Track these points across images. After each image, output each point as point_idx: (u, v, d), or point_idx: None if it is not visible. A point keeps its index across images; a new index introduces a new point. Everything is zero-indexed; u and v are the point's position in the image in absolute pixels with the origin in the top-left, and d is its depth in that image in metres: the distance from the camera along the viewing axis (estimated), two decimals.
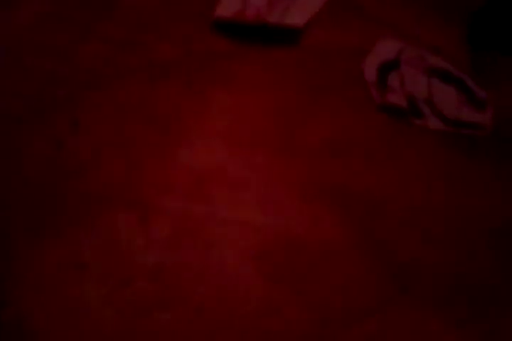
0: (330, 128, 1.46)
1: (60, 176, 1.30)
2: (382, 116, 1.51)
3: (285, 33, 1.66)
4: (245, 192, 1.31)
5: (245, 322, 1.13)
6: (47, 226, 1.22)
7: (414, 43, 1.68)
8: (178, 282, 1.16)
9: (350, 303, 1.17)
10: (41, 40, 1.57)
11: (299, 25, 1.66)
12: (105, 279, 1.14)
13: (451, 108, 1.55)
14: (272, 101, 1.50)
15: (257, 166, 1.36)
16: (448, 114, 1.54)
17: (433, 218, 1.32)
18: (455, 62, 1.65)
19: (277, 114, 1.48)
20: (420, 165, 1.41)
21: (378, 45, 1.67)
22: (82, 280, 1.14)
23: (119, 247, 1.19)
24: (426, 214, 1.31)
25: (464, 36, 1.75)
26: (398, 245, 1.26)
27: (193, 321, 1.12)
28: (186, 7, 1.70)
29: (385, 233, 1.28)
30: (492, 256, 1.27)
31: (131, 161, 1.34)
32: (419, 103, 1.55)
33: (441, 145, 1.45)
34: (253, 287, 1.16)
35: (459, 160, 1.42)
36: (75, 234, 1.21)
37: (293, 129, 1.45)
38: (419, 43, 1.69)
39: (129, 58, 1.55)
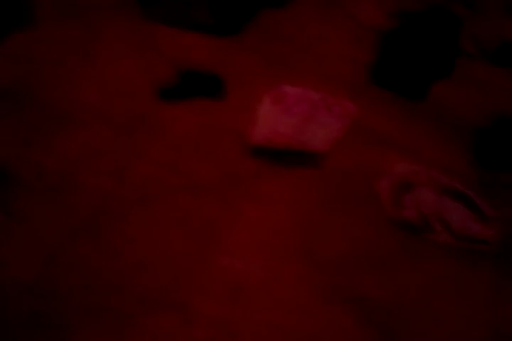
0: (348, 241, 1.62)
1: (115, 282, 1.45)
2: (396, 231, 1.67)
3: (309, 155, 1.87)
4: (277, 299, 1.44)
5: None
6: (100, 323, 1.35)
7: (427, 164, 1.87)
8: None
9: None
10: (97, 163, 1.76)
11: (322, 151, 1.87)
12: None
13: (460, 224, 1.70)
14: (296, 216, 1.68)
15: (286, 276, 1.51)
16: (457, 230, 1.69)
17: (445, 325, 1.44)
18: (464, 181, 1.83)
19: (302, 228, 1.64)
20: (431, 276, 1.55)
21: (393, 167, 1.85)
22: None
23: None
24: (438, 321, 1.44)
25: (472, 157, 1.94)
26: None
27: None
28: (222, 134, 1.92)
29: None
30: None
31: (176, 269, 1.49)
32: (430, 219, 1.71)
33: (450, 258, 1.60)
34: None
35: (465, 274, 1.56)
36: (122, 333, 1.33)
37: (315, 242, 1.61)
38: (431, 164, 1.88)
39: (174, 179, 1.75)
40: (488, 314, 1.49)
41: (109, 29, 2.30)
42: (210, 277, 1.48)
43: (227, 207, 1.68)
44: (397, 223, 1.69)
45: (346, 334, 1.39)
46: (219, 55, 2.25)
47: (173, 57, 2.18)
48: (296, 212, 1.69)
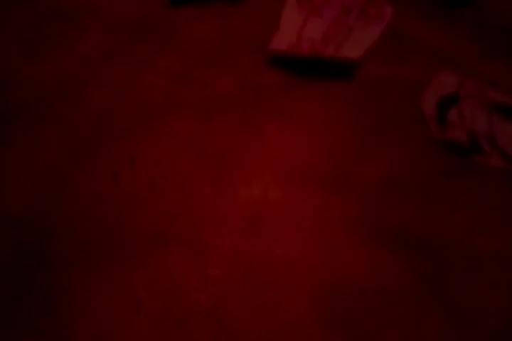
0: (387, 164, 1.43)
1: (116, 210, 1.30)
2: (441, 151, 1.47)
3: (341, 66, 1.66)
4: (300, 231, 1.28)
5: None
6: (101, 260, 1.22)
7: (474, 77, 1.65)
8: (232, 323, 1.13)
9: None
10: (99, 73, 1.59)
11: (355, 58, 1.64)
12: (160, 319, 1.13)
13: None
14: (327, 137, 1.49)
15: (312, 205, 1.34)
16: (510, 151, 1.49)
17: (498, 264, 1.27)
18: None
19: (332, 150, 1.46)
20: (481, 206, 1.37)
21: (437, 79, 1.64)
22: (137, 319, 1.13)
23: (175, 285, 1.18)
24: (490, 260, 1.27)
25: None
26: (460, 291, 1.21)
27: None
28: (242, 41, 1.71)
29: (446, 279, 1.23)
30: None
31: (186, 196, 1.33)
32: (480, 139, 1.51)
33: (504, 184, 1.40)
34: (309, 333, 1.13)
35: None
36: (130, 270, 1.20)
37: (349, 166, 1.43)
38: (478, 77, 1.66)
39: (186, 91, 1.56)
40: None
41: None
42: (225, 207, 1.32)
43: (245, 126, 1.49)
44: (443, 143, 1.49)
45: (381, 274, 1.23)
46: None
47: None
48: (326, 132, 1.49)
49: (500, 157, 1.48)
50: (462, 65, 1.70)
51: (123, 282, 1.18)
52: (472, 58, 1.74)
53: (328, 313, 1.16)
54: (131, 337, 1.11)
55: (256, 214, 1.31)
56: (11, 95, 1.53)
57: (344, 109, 1.56)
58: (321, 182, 1.38)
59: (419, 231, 1.30)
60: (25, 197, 1.31)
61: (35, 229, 1.26)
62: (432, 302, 1.19)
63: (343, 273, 1.22)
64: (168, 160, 1.40)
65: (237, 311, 1.15)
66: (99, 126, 1.47)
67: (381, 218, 1.32)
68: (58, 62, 1.61)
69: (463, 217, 1.33)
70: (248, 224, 1.29)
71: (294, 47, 1.65)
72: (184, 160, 1.40)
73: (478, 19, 1.87)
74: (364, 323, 1.15)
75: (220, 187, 1.36)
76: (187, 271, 1.20)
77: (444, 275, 1.24)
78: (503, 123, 1.56)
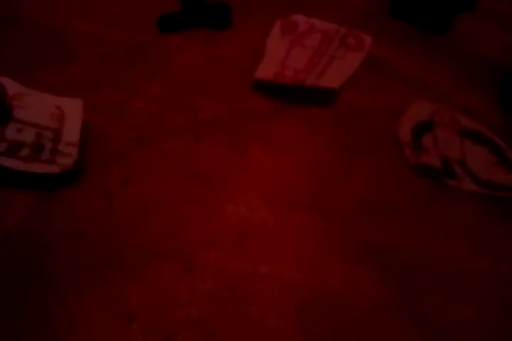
0: (365, 186, 1.51)
1: (109, 228, 1.35)
2: (416, 176, 1.55)
3: (321, 93, 1.73)
4: (284, 250, 1.35)
5: None
6: (95, 276, 1.26)
7: (447, 105, 1.73)
8: (220, 336, 1.19)
9: None
10: (90, 98, 1.60)
11: (335, 87, 1.72)
12: (151, 331, 1.18)
13: (483, 169, 1.58)
14: (309, 160, 1.56)
15: (295, 224, 1.40)
16: (480, 175, 1.57)
17: (464, 279, 1.34)
18: (487, 124, 1.69)
19: (314, 173, 1.53)
20: (453, 226, 1.44)
21: (412, 107, 1.71)
22: (129, 331, 1.18)
23: (165, 299, 1.23)
24: (462, 275, 1.34)
25: (497, 99, 1.80)
26: (433, 305, 1.28)
27: None
28: (229, 68, 1.78)
29: (419, 293, 1.30)
30: None
31: (176, 216, 1.39)
32: (452, 163, 1.59)
33: (474, 207, 1.48)
34: None
35: (492, 223, 1.45)
36: (123, 284, 1.25)
37: (329, 188, 1.49)
38: (451, 105, 1.74)
39: (176, 117, 1.62)
40: None
41: None
42: (213, 225, 1.38)
43: (232, 149, 1.56)
44: (418, 167, 1.57)
45: (359, 288, 1.30)
46: None
47: None
48: (308, 155, 1.57)
49: (471, 181, 1.56)
50: (437, 94, 1.78)
51: (116, 296, 1.23)
52: (446, 87, 1.82)
53: (312, 325, 1.22)
54: None
55: (242, 233, 1.37)
56: None
57: (325, 134, 1.63)
58: (303, 204, 1.45)
59: (395, 249, 1.37)
60: (22, 213, 1.36)
61: (33, 243, 1.31)
62: (406, 315, 1.25)
63: (325, 289, 1.28)
64: (159, 181, 1.46)
65: (225, 324, 1.20)
66: (92, 148, 1.51)
67: (359, 237, 1.39)
68: (51, 86, 1.63)
69: (436, 236, 1.41)
70: (235, 242, 1.35)
71: (278, 77, 1.72)
72: (174, 181, 1.46)
73: (453, 49, 1.96)
74: (343, 335, 1.21)
75: (208, 208, 1.41)
76: (177, 286, 1.25)
77: (418, 289, 1.31)
78: (474, 148, 1.63)
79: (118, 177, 1.45)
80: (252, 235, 1.36)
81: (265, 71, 1.73)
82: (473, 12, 2.04)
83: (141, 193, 1.43)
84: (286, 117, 1.67)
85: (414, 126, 1.67)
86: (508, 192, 1.54)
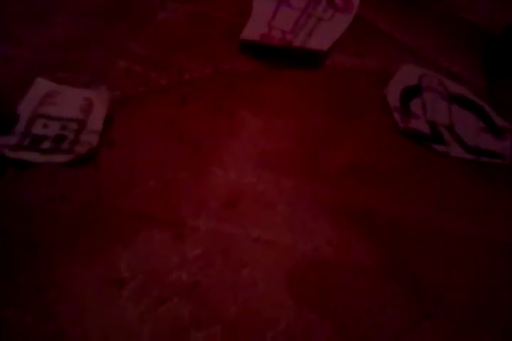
0: (354, 151, 1.50)
1: (96, 193, 1.32)
2: (405, 140, 1.54)
3: (309, 55, 1.70)
4: (275, 214, 1.34)
5: None
6: (84, 242, 1.25)
7: (435, 70, 1.72)
8: (211, 301, 1.19)
9: (375, 328, 1.20)
10: (74, 58, 1.59)
11: (323, 49, 1.69)
12: (142, 296, 1.17)
13: (471, 135, 1.58)
14: (296, 125, 1.54)
15: (284, 189, 1.39)
16: (468, 141, 1.57)
17: (453, 243, 1.35)
18: (474, 90, 1.69)
19: (303, 138, 1.51)
20: (442, 191, 1.45)
21: (400, 71, 1.70)
22: (120, 296, 1.17)
23: (156, 264, 1.22)
24: (447, 239, 1.35)
25: (482, 64, 1.79)
26: (423, 269, 1.29)
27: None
28: (215, 28, 1.73)
29: (409, 257, 1.31)
30: None
31: (164, 179, 1.37)
32: (440, 129, 1.58)
33: (463, 172, 1.49)
34: (284, 308, 1.19)
35: (480, 189, 1.46)
36: (113, 250, 1.23)
37: (318, 153, 1.48)
38: (439, 70, 1.73)
39: (160, 77, 1.58)
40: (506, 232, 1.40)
41: None
42: (202, 189, 1.36)
43: (219, 112, 1.52)
44: (407, 132, 1.56)
45: (349, 253, 1.30)
46: None
47: None
48: (296, 119, 1.54)
49: (459, 147, 1.56)
50: (424, 58, 1.76)
51: (106, 262, 1.21)
52: (434, 51, 1.79)
53: (302, 289, 1.22)
54: (114, 314, 1.15)
55: (232, 197, 1.35)
56: None
57: (314, 97, 1.60)
58: (292, 168, 1.43)
59: (384, 213, 1.38)
60: (7, 179, 1.33)
61: (18, 209, 1.28)
62: (395, 279, 1.27)
63: (315, 253, 1.28)
64: (145, 144, 1.42)
65: (215, 289, 1.20)
66: None
67: (349, 202, 1.39)
68: (30, 44, 1.60)
69: (425, 201, 1.41)
70: (225, 207, 1.33)
71: (265, 38, 1.67)
72: (162, 144, 1.43)
73: (441, 13, 1.92)
74: (334, 299, 1.22)
75: (196, 172, 1.39)
76: (167, 251, 1.24)
77: (408, 254, 1.32)
78: (461, 114, 1.63)
79: (104, 140, 1.41)
80: (242, 199, 1.35)
81: (252, 32, 1.69)
82: None
83: (127, 156, 1.39)
84: (273, 79, 1.63)
85: (403, 90, 1.65)
86: (495, 159, 1.54)
